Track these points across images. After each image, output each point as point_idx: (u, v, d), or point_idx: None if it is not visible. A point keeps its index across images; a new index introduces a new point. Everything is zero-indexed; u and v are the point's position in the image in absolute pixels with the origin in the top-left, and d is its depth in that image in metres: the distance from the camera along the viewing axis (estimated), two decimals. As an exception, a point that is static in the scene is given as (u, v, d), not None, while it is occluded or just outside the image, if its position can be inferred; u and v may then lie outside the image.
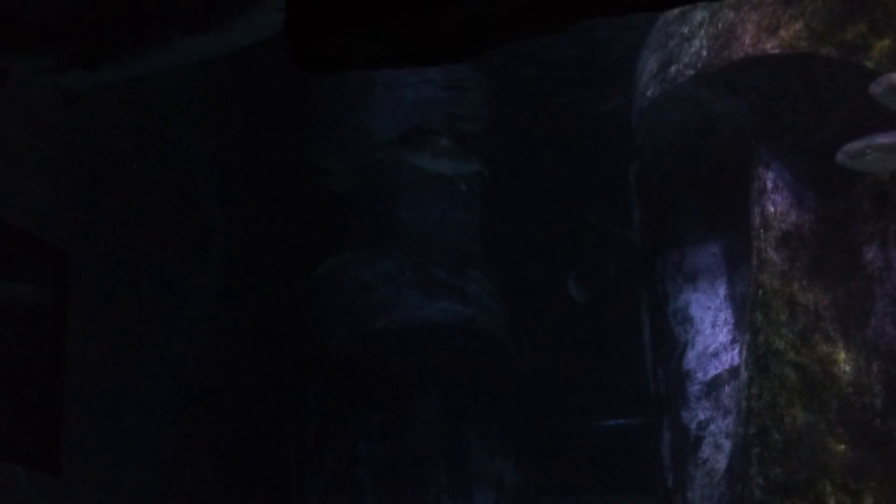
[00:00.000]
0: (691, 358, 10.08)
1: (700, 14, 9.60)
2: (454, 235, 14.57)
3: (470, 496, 13.69)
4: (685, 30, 9.65)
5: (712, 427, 9.82)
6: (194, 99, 12.15)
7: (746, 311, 9.16)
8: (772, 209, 9.16)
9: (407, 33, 3.67)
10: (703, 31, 9.44)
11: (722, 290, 9.94)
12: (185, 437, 13.53)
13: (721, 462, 9.44)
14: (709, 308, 10.01)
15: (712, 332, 9.97)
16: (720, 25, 9.28)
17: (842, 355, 8.74)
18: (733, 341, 9.74)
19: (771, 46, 8.93)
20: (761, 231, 9.10)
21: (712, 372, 9.88)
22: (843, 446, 8.58)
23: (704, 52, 9.30)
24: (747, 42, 9.04)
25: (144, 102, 11.86)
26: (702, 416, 9.91)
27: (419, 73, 11.99)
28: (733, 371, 9.50)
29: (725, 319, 9.90)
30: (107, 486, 12.26)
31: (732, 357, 9.63)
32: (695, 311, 10.12)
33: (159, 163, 12.79)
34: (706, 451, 9.79)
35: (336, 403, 13.83)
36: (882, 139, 8.54)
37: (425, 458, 13.64)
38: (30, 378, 11.44)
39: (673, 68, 9.65)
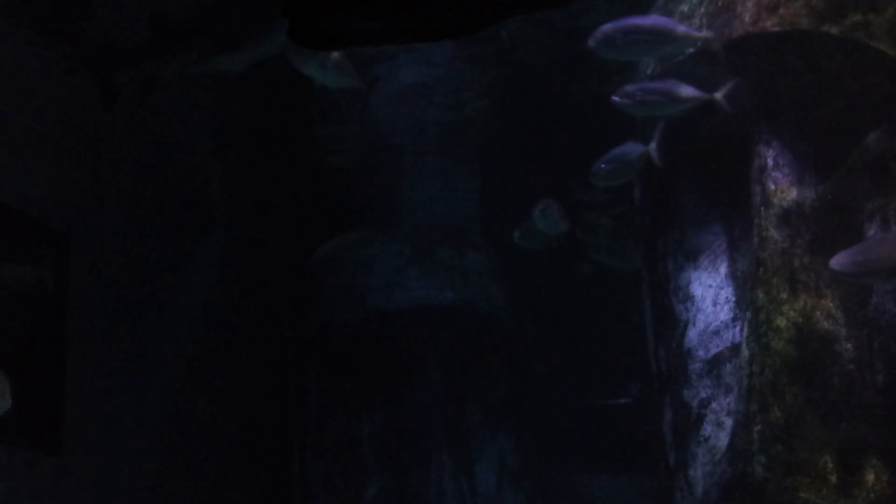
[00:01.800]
0: (693, 336, 10.10)
1: (700, -8, 9.60)
2: (455, 214, 14.56)
3: (472, 475, 13.71)
4: (685, 8, 9.64)
5: (714, 405, 9.84)
6: (196, 79, 12.13)
7: (748, 289, 9.19)
8: (772, 187, 9.17)
9: (404, 10, 3.65)
10: (702, 9, 9.43)
11: (723, 268, 9.93)
12: (186, 418, 13.56)
13: (723, 440, 9.46)
14: (710, 286, 10.01)
15: (714, 310, 9.97)
16: (720, 3, 9.28)
17: (843, 332, 8.75)
18: (735, 319, 9.75)
19: (771, 24, 8.94)
20: (762, 209, 9.11)
21: (714, 350, 9.89)
22: (844, 423, 8.60)
23: (704, 30, 9.28)
24: (747, 20, 9.03)
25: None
26: (703, 394, 9.92)
27: (420, 53, 12.00)
28: (735, 349, 9.51)
29: (727, 297, 9.90)
30: (107, 467, 12.31)
31: (734, 335, 9.64)
32: (696, 289, 10.11)
33: (160, 143, 12.79)
34: (708, 428, 9.80)
35: (337, 383, 13.85)
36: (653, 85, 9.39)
37: (427, 438, 13.67)
38: (31, 360, 11.46)
39: (673, 46, 9.65)
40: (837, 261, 8.50)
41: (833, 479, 8.48)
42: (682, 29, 9.05)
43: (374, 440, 13.68)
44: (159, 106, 12.16)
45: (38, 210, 11.33)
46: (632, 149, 10.34)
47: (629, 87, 9.47)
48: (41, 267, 11.81)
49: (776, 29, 8.88)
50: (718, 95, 9.14)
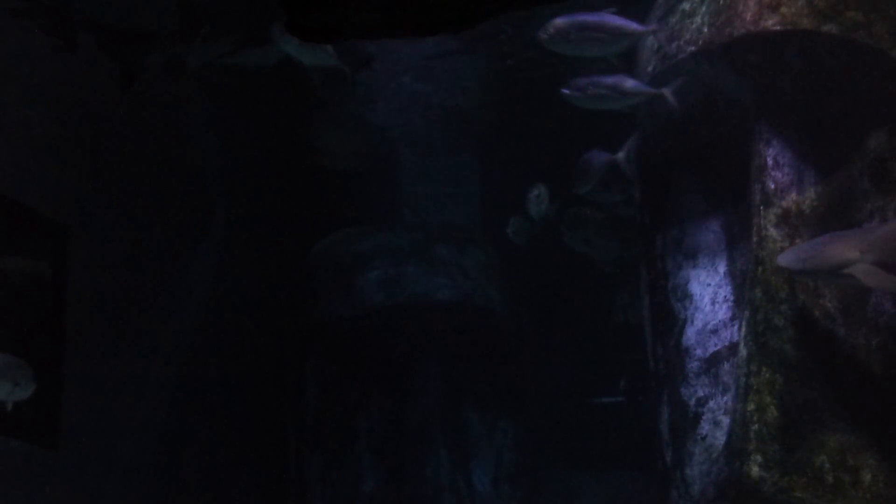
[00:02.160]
0: (691, 334, 10.09)
1: (702, -10, 9.58)
2: (455, 211, 14.56)
3: (469, 472, 13.72)
4: (686, 6, 9.64)
5: (711, 404, 9.82)
6: (196, 73, 12.11)
7: (746, 288, 9.17)
8: (772, 186, 9.15)
9: (402, 4, 3.65)
10: (704, 8, 9.41)
11: (722, 267, 9.93)
12: (182, 411, 13.54)
13: (720, 439, 9.45)
14: (708, 285, 10.00)
15: (712, 309, 9.97)
16: (722, 2, 9.27)
17: (842, 332, 8.74)
18: (733, 318, 9.74)
19: (773, 23, 8.93)
20: (761, 208, 9.11)
21: (712, 349, 9.89)
22: (842, 424, 8.60)
23: (706, 29, 9.29)
24: (749, 19, 9.02)
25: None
26: (701, 393, 9.91)
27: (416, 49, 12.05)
28: (732, 348, 9.50)
29: (725, 296, 9.89)
30: (102, 460, 12.29)
31: (732, 333, 9.63)
32: (694, 287, 10.11)
33: (160, 135, 12.77)
34: (705, 427, 9.79)
35: (335, 379, 13.86)
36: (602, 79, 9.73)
37: (424, 434, 13.67)
38: (28, 352, 11.45)
39: (674, 44, 9.65)
40: (785, 257, 8.55)
41: (829, 479, 8.47)
42: (621, 23, 9.29)
43: (372, 435, 13.67)
44: (162, 100, 12.15)
45: (36, 201, 11.33)
46: (595, 157, 10.65)
47: (580, 81, 9.67)
48: (40, 258, 11.80)
49: (777, 28, 8.86)
50: (666, 91, 9.30)
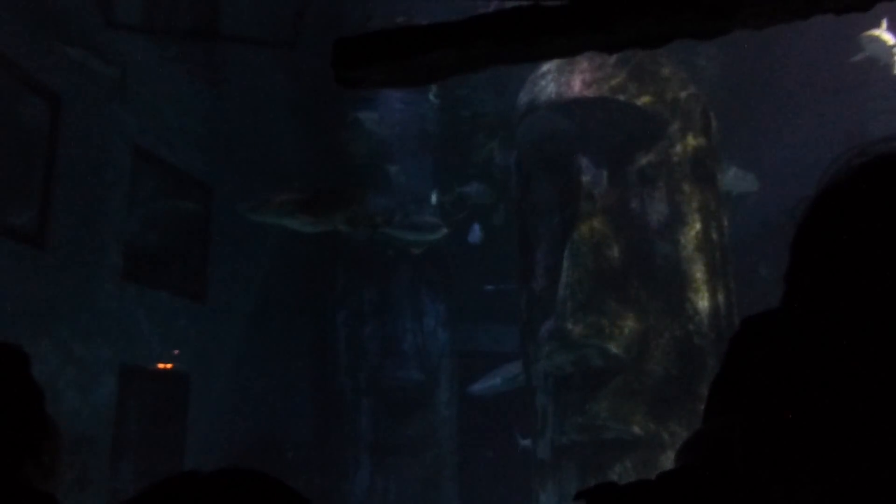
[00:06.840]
0: (539, 254, 9.64)
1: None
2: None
3: (422, 322, 13.80)
4: (542, 82, 9.23)
5: (549, 291, 9.25)
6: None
7: (569, 231, 8.90)
8: (583, 180, 8.89)
9: (398, 69, 3.41)
10: (552, 80, 9.02)
11: (557, 218, 9.46)
12: (275, 285, 12.74)
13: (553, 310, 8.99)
14: (549, 226, 9.54)
15: (551, 242, 9.50)
16: (562, 78, 8.87)
17: (612, 235, 8.49)
18: (562, 250, 8.93)
19: (588, 93, 8.69)
20: (579, 192, 8.81)
21: (550, 261, 9.41)
22: (614, 302, 8.38)
23: (553, 92, 8.97)
24: (577, 89, 8.76)
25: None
26: (543, 284, 9.49)
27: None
28: (560, 261, 8.95)
29: (562, 237, 9.15)
30: (227, 309, 11.75)
31: (562, 256, 8.98)
32: (541, 229, 9.68)
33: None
34: (547, 305, 9.27)
35: (353, 269, 13.76)
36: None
37: (399, 304, 13.67)
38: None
39: (536, 101, 9.33)
40: (241, 205, 7.95)
41: (607, 330, 8.26)
42: None
43: (371, 302, 13.63)
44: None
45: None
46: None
47: None
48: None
49: (589, 96, 8.79)
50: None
